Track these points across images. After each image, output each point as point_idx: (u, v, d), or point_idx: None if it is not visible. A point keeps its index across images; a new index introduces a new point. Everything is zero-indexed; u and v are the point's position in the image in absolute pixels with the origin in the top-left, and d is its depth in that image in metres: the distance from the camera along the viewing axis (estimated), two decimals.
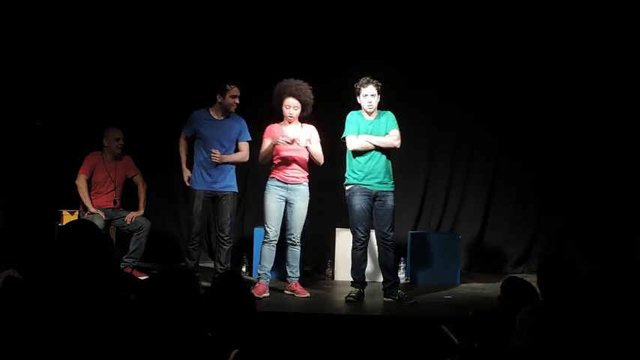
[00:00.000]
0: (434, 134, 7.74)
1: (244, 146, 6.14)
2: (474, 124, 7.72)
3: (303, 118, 6.00)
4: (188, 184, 6.13)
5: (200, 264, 6.50)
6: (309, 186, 6.06)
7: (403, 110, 6.37)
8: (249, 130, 6.18)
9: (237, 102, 6.03)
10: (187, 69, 7.37)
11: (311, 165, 6.10)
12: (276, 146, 5.91)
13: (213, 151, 5.98)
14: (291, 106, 5.89)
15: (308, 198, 6.00)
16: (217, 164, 6.00)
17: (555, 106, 7.56)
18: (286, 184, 5.92)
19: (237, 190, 6.20)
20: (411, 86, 7.58)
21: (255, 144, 6.19)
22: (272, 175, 5.98)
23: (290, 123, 5.97)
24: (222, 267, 6.09)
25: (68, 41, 7.17)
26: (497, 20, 7.47)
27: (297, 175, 5.95)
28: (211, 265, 6.62)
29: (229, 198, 6.10)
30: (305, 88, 5.94)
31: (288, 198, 5.93)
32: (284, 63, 7.06)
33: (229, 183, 6.11)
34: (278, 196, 5.92)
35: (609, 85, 7.42)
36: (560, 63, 7.48)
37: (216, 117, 6.09)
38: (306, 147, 5.89)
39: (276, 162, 5.97)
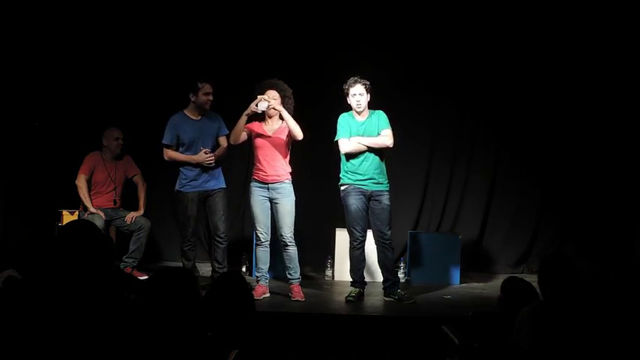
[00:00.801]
0: (434, 134, 7.72)
1: (224, 140, 6.15)
2: (473, 123, 7.71)
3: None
4: (207, 156, 6.00)
5: (197, 263, 6.50)
6: (304, 184, 6.02)
7: (403, 109, 6.39)
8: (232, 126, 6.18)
9: (211, 99, 6.05)
10: (187, 69, 7.36)
11: (310, 164, 6.08)
12: (255, 142, 5.88)
13: (205, 151, 5.97)
14: (270, 97, 5.84)
15: (292, 195, 5.91)
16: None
17: (555, 106, 7.55)
18: (267, 183, 5.87)
19: (225, 186, 6.20)
20: (411, 86, 7.57)
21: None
22: (253, 177, 5.95)
23: (270, 117, 5.91)
24: (219, 266, 6.08)
25: (68, 41, 7.17)
26: (497, 22, 7.46)
27: (278, 173, 5.88)
28: (209, 264, 6.60)
29: (221, 194, 6.11)
30: (281, 82, 5.95)
31: (271, 197, 5.89)
32: (284, 66, 7.05)
33: (218, 180, 6.13)
34: (261, 197, 5.89)
35: (609, 86, 7.41)
36: (559, 64, 7.47)
37: (193, 117, 6.09)
38: (278, 109, 5.79)
39: (256, 162, 5.94)
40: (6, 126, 6.91)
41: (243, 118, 5.82)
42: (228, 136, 6.09)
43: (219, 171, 6.15)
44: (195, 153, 6.03)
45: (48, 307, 2.74)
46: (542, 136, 7.58)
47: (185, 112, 6.11)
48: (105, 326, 2.69)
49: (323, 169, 7.12)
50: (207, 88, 6.02)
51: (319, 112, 6.91)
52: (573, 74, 7.47)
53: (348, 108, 6.04)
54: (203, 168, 6.03)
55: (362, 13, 7.41)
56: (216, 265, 6.11)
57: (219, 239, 6.10)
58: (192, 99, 6.04)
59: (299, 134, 5.83)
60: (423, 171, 7.72)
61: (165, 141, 6.08)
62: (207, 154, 5.99)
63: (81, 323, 2.70)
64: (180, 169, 6.10)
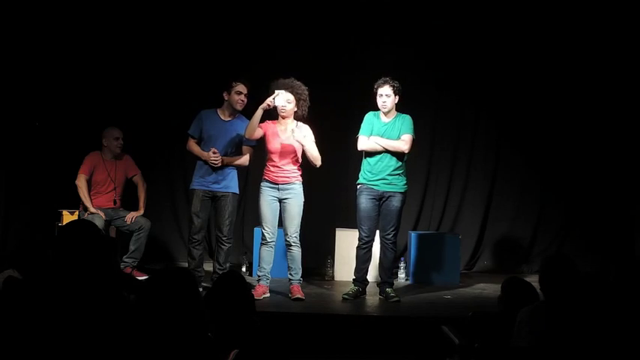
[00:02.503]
0: (434, 135, 7.73)
1: (247, 150, 6.11)
2: (474, 124, 7.72)
3: (298, 118, 5.97)
4: (214, 154, 5.96)
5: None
6: (304, 184, 6.02)
7: (403, 109, 6.37)
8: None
9: (243, 99, 5.99)
10: (187, 69, 7.37)
11: (312, 165, 6.07)
12: (269, 143, 5.86)
13: (214, 151, 5.94)
14: (285, 99, 5.81)
15: (301, 197, 5.92)
16: (217, 167, 5.98)
17: (556, 106, 7.56)
18: (277, 184, 5.87)
19: (237, 192, 6.16)
20: (411, 85, 7.54)
21: (260, 149, 6.13)
22: (264, 177, 5.93)
23: (284, 118, 5.90)
24: (220, 267, 6.08)
25: (68, 41, 7.17)
26: (499, 17, 7.47)
27: (289, 175, 5.89)
28: (211, 265, 6.60)
29: (228, 199, 6.06)
30: (298, 84, 5.89)
31: (280, 198, 5.89)
32: (289, 64, 7.02)
33: (229, 184, 6.08)
34: (271, 197, 5.88)
35: (610, 85, 7.42)
36: (562, 60, 7.48)
37: (223, 118, 6.06)
38: (301, 143, 5.78)
39: (268, 163, 5.92)
40: (6, 126, 6.91)
41: (259, 112, 5.74)
42: (254, 148, 6.10)
43: (231, 176, 6.08)
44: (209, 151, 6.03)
45: (48, 308, 2.74)
46: (543, 135, 7.59)
47: (218, 109, 6.09)
48: (105, 326, 2.69)
49: (324, 169, 7.11)
50: (240, 87, 5.97)
51: (326, 113, 6.91)
52: (576, 73, 7.47)
53: (354, 108, 6.04)
54: (212, 167, 6.00)
55: (362, 8, 7.40)
56: (217, 266, 6.12)
57: (222, 241, 6.09)
58: (226, 97, 6.00)
59: (317, 162, 5.87)
60: (423, 171, 7.73)
61: (189, 131, 6.10)
62: (215, 153, 5.97)
63: (81, 323, 2.70)
64: (197, 164, 6.09)
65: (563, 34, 7.44)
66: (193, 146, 6.08)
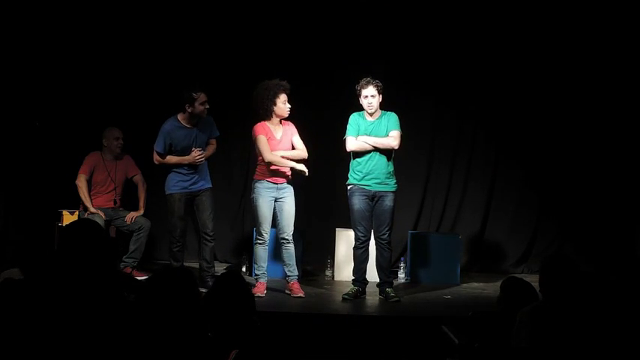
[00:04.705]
0: (434, 134, 7.72)
1: (214, 141, 6.22)
2: (474, 123, 7.71)
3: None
4: (199, 154, 6.04)
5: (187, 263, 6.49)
6: (303, 185, 6.06)
7: (403, 109, 6.38)
8: (235, 127, 6.15)
9: (208, 107, 6.01)
10: (187, 69, 7.36)
11: (312, 165, 6.10)
12: (271, 144, 5.92)
13: (196, 150, 5.99)
14: (287, 101, 5.93)
15: (293, 194, 6.04)
16: (197, 167, 6.03)
17: (555, 106, 7.55)
18: (277, 184, 5.94)
19: (211, 185, 6.22)
20: (412, 86, 7.58)
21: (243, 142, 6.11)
22: (260, 178, 5.96)
23: (271, 119, 5.96)
24: (208, 265, 6.08)
25: (67, 41, 7.17)
26: (497, 25, 7.46)
27: (286, 175, 6.00)
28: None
29: (207, 194, 6.13)
30: (284, 83, 5.98)
31: (277, 197, 5.97)
32: (282, 64, 7.05)
33: (205, 181, 6.15)
34: (270, 198, 5.94)
35: (609, 87, 7.42)
36: (559, 65, 7.47)
37: (187, 125, 6.06)
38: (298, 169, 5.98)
39: (267, 163, 5.95)
40: (6, 126, 6.91)
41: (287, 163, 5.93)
42: (218, 138, 6.20)
43: (206, 172, 6.17)
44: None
45: (48, 307, 2.74)
46: (542, 136, 7.58)
47: (179, 118, 6.07)
48: (105, 326, 2.69)
49: (324, 169, 7.12)
50: (203, 97, 5.97)
51: (322, 114, 6.91)
52: (572, 75, 7.47)
53: (353, 109, 6.04)
54: (192, 169, 6.04)
55: (364, 17, 7.41)
56: (205, 264, 6.11)
57: (208, 237, 6.10)
58: (189, 110, 5.97)
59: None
60: (424, 171, 7.72)
61: (157, 148, 6.09)
62: (199, 151, 6.01)
63: (81, 323, 2.70)
64: (171, 171, 6.10)
65: (559, 46, 7.43)
66: (170, 158, 6.08)
